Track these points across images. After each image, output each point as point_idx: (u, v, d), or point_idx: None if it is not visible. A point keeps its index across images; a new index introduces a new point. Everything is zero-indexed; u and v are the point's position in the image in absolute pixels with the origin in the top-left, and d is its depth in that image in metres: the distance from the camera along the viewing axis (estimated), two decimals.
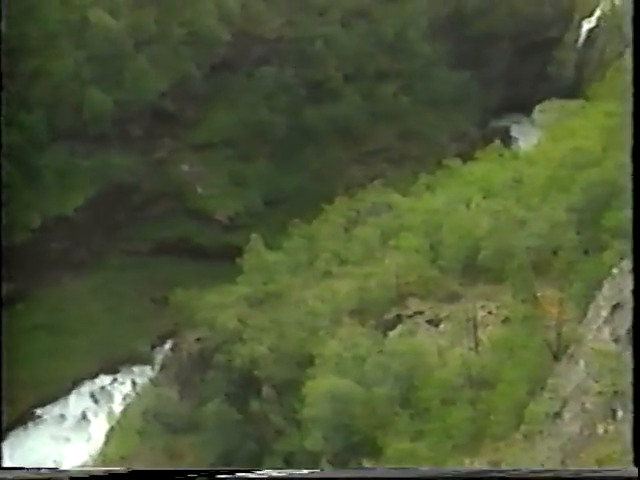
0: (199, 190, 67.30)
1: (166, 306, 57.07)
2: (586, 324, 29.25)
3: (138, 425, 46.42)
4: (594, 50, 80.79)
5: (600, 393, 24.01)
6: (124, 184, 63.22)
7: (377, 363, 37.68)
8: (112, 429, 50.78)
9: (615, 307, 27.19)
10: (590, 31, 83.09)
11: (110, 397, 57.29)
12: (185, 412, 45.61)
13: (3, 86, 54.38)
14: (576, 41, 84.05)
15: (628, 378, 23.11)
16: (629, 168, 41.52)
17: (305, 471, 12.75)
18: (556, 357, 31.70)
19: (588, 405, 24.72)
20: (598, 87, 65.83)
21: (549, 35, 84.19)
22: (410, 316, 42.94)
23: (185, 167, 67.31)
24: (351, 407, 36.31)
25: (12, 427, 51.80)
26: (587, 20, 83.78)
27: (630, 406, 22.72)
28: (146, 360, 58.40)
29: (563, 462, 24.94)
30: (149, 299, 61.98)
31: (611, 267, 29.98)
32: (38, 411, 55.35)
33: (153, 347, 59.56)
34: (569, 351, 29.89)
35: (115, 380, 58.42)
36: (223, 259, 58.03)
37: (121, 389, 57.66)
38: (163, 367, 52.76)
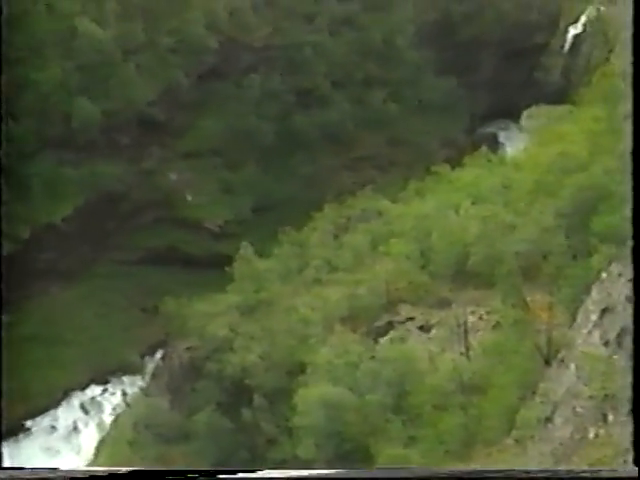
0: (188, 198, 67.18)
1: (156, 315, 56.85)
2: (576, 328, 29.38)
3: (129, 435, 46.14)
4: (580, 56, 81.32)
5: (591, 397, 24.10)
6: (113, 193, 63.04)
7: (369, 370, 37.68)
8: (103, 440, 50.47)
9: (604, 311, 27.35)
10: (576, 37, 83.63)
11: (100, 408, 56.97)
12: (176, 422, 45.38)
13: None
14: (562, 47, 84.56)
15: (619, 381, 23.23)
16: (617, 172, 41.85)
17: (305, 472, 12.70)
18: (547, 361, 31.80)
19: (579, 409, 24.80)
20: (585, 92, 66.27)
21: (535, 41, 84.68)
22: (401, 322, 43.00)
23: (174, 175, 67.20)
24: (343, 414, 36.27)
25: (2, 438, 51.36)
26: (573, 26, 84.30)
27: (621, 409, 22.83)
28: (136, 370, 58.14)
29: (555, 466, 24.98)
30: (139, 308, 61.74)
31: (600, 271, 30.17)
32: (28, 423, 54.98)
33: (143, 357, 59.30)
34: (559, 355, 30.00)
35: (105, 390, 58.11)
36: (213, 267, 57.90)
37: (111, 399, 57.35)
38: (154, 377, 52.52)
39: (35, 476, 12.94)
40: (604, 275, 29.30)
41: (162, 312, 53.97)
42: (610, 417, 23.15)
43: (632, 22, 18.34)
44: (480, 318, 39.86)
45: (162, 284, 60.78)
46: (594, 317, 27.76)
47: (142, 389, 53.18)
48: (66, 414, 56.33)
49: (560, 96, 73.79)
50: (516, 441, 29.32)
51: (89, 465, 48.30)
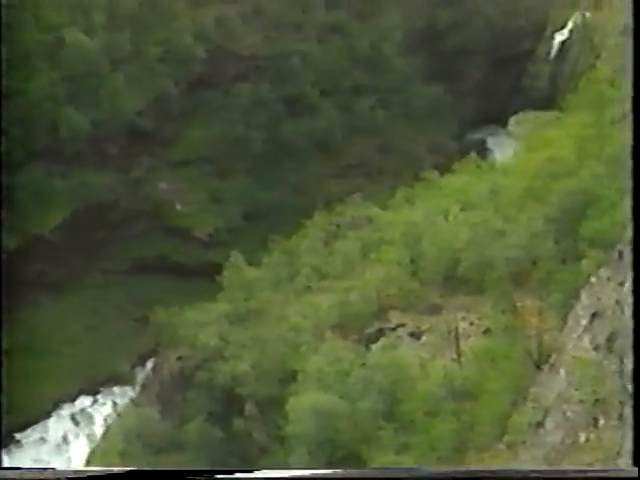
0: (178, 207, 67.07)
1: (146, 325, 56.60)
2: (566, 333, 29.45)
3: (120, 446, 45.84)
4: (567, 62, 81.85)
5: (581, 401, 24.14)
6: (102, 203, 62.86)
7: (360, 377, 37.63)
8: (93, 451, 50.11)
9: (594, 315, 27.43)
10: (562, 43, 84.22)
11: (91, 419, 56.61)
12: (167, 432, 45.15)
13: None
14: (549, 53, 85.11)
15: (609, 386, 23.30)
16: (604, 177, 42.09)
17: (305, 472, 12.61)
18: (537, 367, 31.85)
19: (570, 414, 24.83)
20: (571, 98, 66.68)
21: (522, 48, 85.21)
22: (392, 329, 43.00)
23: (163, 185, 67.10)
24: (335, 422, 36.19)
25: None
26: (559, 32, 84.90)
27: (612, 413, 22.88)
28: (127, 380, 57.83)
29: None
30: (129, 318, 61.49)
31: (589, 276, 30.27)
32: (18, 435, 54.54)
33: (134, 367, 59.00)
34: (550, 360, 30.05)
35: (96, 401, 57.76)
36: (203, 276, 57.77)
37: (102, 410, 57.00)
38: (144, 387, 52.27)
39: (33, 476, 12.92)
40: (593, 279, 29.41)
41: (152, 322, 53.77)
42: (601, 421, 23.19)
43: (632, 22, 18.44)
44: (471, 324, 39.93)
45: (152, 294, 60.57)
46: (584, 322, 27.85)
47: (133, 399, 52.89)
48: (56, 426, 55.94)
49: (547, 102, 74.25)
50: (508, 446, 29.32)
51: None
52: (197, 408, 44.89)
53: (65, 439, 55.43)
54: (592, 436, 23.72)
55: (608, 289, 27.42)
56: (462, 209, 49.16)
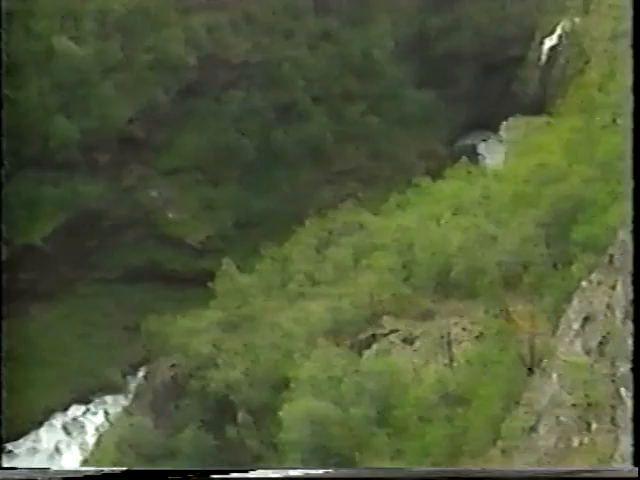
0: (169, 215, 66.95)
1: (138, 333, 56.38)
2: (558, 337, 29.51)
3: (112, 455, 45.60)
4: (556, 67, 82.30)
5: (574, 405, 24.18)
6: (93, 211, 62.68)
7: (353, 383, 37.59)
8: (85, 461, 49.82)
9: (586, 319, 27.52)
10: (552, 49, 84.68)
11: (83, 428, 56.29)
12: (160, 440, 44.95)
13: None
14: (539, 59, 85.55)
15: (601, 389, 23.34)
16: (595, 182, 42.25)
17: (300, 471, 12.57)
18: (530, 371, 31.90)
19: (562, 418, 24.86)
20: (561, 103, 67.07)
21: (512, 54, 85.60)
22: (385, 335, 42.98)
23: (154, 193, 66.97)
24: (328, 429, 36.11)
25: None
26: (548, 38, 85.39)
27: (604, 417, 22.92)
28: (119, 389, 57.57)
29: None
30: (121, 327, 61.24)
31: (580, 280, 30.37)
32: (9, 446, 54.16)
33: (126, 375, 58.74)
34: (542, 365, 30.10)
35: (88, 410, 57.46)
36: (195, 284, 57.63)
37: (94, 419, 56.70)
38: (137, 395, 52.03)
39: (31, 476, 12.92)
40: (585, 284, 29.51)
41: (144, 330, 53.55)
42: (594, 425, 23.22)
43: (632, 22, 18.56)
44: (463, 329, 39.96)
45: (144, 302, 60.37)
46: (576, 326, 27.92)
47: (125, 408, 52.64)
48: (48, 435, 55.60)
49: (537, 107, 74.62)
50: (502, 451, 29.31)
51: None
52: (190, 416, 44.73)
53: (57, 449, 55.08)
54: (585, 440, 23.76)
55: (599, 293, 27.52)
56: (454, 214, 49.28)
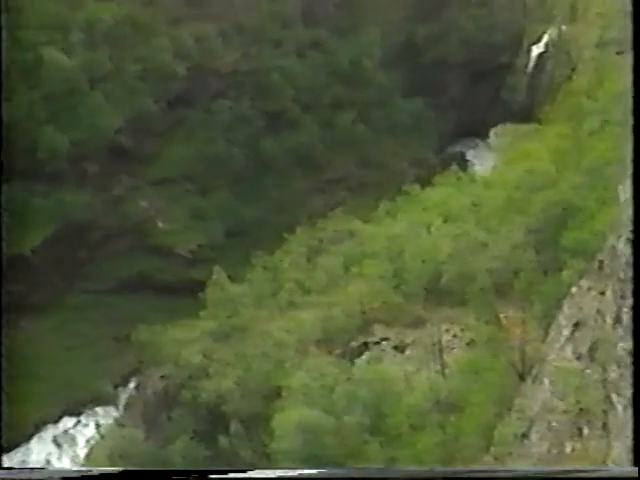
0: (159, 225, 66.74)
1: (129, 344, 56.09)
2: (549, 343, 29.56)
3: (104, 468, 45.25)
4: (544, 74, 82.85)
5: (565, 411, 24.20)
6: (82, 222, 62.40)
7: (345, 392, 37.52)
8: None
9: (576, 325, 27.57)
10: (539, 56, 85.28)
11: (74, 440, 55.85)
12: (152, 452, 44.65)
13: None
14: (526, 66, 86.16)
15: (592, 395, 23.38)
16: (583, 188, 42.39)
17: (296, 471, 12.50)
18: (521, 377, 31.93)
19: (554, 424, 24.87)
20: (549, 110, 67.47)
21: (500, 61, 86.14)
22: (376, 343, 42.98)
23: (144, 203, 66.78)
24: (321, 437, 35.99)
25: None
26: (536, 45, 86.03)
27: (596, 423, 22.95)
28: (110, 400, 57.19)
29: None
30: (111, 338, 60.89)
31: (570, 286, 30.45)
32: None
33: (117, 387, 58.36)
34: (533, 371, 30.13)
35: (78, 422, 57.03)
36: (186, 294, 57.40)
37: (85, 431, 56.28)
38: (128, 407, 51.73)
39: (30, 476, 12.85)
40: (575, 290, 29.59)
41: (135, 341, 53.28)
42: (585, 431, 23.24)
43: (632, 23, 18.69)
44: (454, 336, 40.01)
45: (135, 312, 60.06)
46: (566, 332, 27.97)
47: (116, 420, 52.31)
48: (39, 448, 55.13)
49: (526, 114, 75.09)
50: (494, 458, 29.28)
51: None
52: (182, 427, 44.47)
53: (48, 462, 54.61)
54: (577, 446, 23.75)
55: (589, 299, 27.59)
56: (444, 221, 49.41)
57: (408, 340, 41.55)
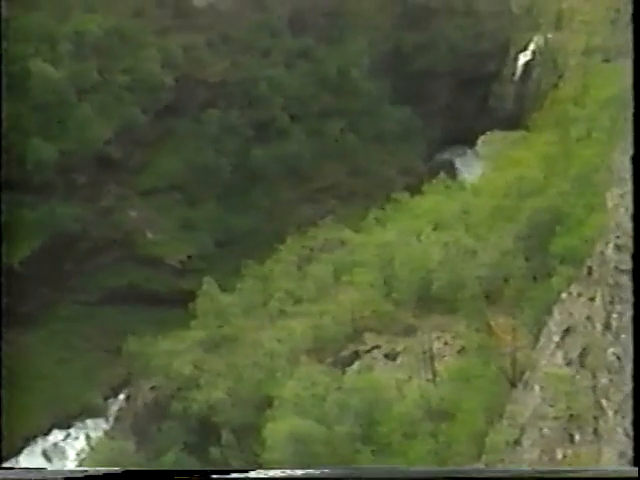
0: (149, 235, 66.53)
1: (119, 356, 55.77)
2: (539, 350, 29.61)
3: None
4: (531, 82, 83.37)
5: (556, 418, 24.21)
6: (71, 233, 62.11)
7: (336, 401, 37.41)
8: None
9: (566, 331, 27.64)
10: (526, 64, 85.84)
11: (64, 454, 55.37)
12: (143, 464, 44.32)
13: None
14: (514, 74, 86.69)
15: (583, 401, 23.41)
16: (571, 195, 42.53)
17: (299, 471, 12.43)
18: (512, 384, 31.94)
19: (546, 430, 24.88)
20: (537, 118, 67.83)
21: (487, 69, 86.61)
22: (367, 351, 42.91)
23: (133, 213, 66.58)
24: (312, 447, 35.84)
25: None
26: (523, 54, 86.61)
27: (587, 429, 22.97)
28: (100, 412, 56.78)
29: None
30: (101, 350, 60.54)
31: (560, 292, 30.54)
32: None
33: (107, 399, 57.97)
34: (524, 377, 30.16)
35: (68, 435, 56.57)
36: (176, 304, 57.18)
37: (75, 444, 55.81)
38: (118, 419, 51.39)
39: (32, 476, 12.77)
40: (564, 296, 29.68)
41: (125, 352, 53.01)
42: (576, 437, 23.25)
43: (632, 23, 18.85)
44: (445, 343, 40.00)
45: (124, 324, 59.75)
46: (556, 338, 28.03)
47: (106, 432, 51.95)
48: (28, 461, 54.61)
49: (513, 122, 75.48)
50: (486, 465, 29.24)
51: None
52: (173, 438, 44.19)
53: None
54: (569, 452, 23.75)
55: (579, 305, 27.68)
56: (434, 229, 49.49)
57: (399, 348, 41.51)
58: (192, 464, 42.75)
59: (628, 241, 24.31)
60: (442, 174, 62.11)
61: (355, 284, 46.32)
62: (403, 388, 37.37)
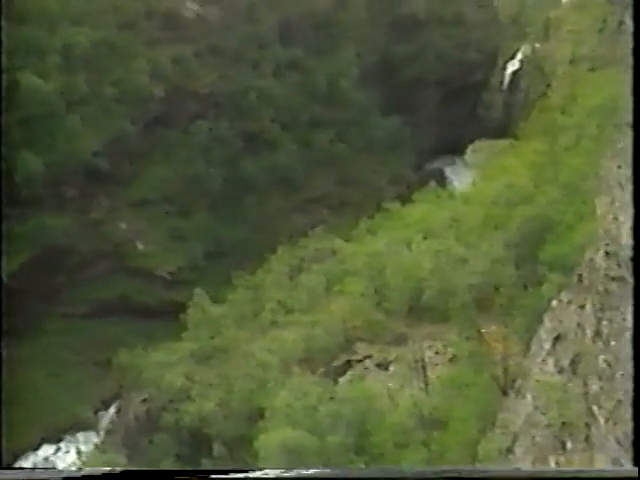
0: (139, 247, 66.33)
1: (109, 369, 55.48)
2: (530, 357, 29.66)
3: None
4: (519, 91, 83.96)
5: (548, 425, 24.24)
6: (61, 246, 61.83)
7: (329, 411, 37.31)
8: None
9: (557, 339, 27.71)
10: (514, 73, 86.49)
11: (54, 468, 54.90)
12: None
13: None
14: (501, 83, 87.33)
15: (574, 408, 23.45)
16: (560, 203, 42.74)
17: (301, 471, 12.41)
18: (504, 392, 31.96)
19: (538, 438, 24.90)
20: (525, 126, 68.28)
21: (475, 78, 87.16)
22: (359, 361, 42.85)
23: (123, 225, 66.39)
24: (305, 458, 35.70)
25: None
26: (511, 63, 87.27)
27: (579, 436, 23.00)
28: (91, 426, 56.39)
29: None
30: (91, 363, 60.20)
31: (550, 300, 30.64)
32: None
33: (97, 412, 57.60)
34: (516, 385, 30.19)
35: (59, 449, 56.12)
36: (167, 316, 57.00)
37: (65, 458, 55.37)
38: (109, 432, 51.06)
39: (30, 476, 12.69)
40: (555, 303, 29.77)
41: (115, 365, 52.75)
42: (569, 444, 23.27)
43: (632, 23, 19.02)
44: (437, 352, 40.01)
45: (115, 336, 59.48)
46: (547, 345, 28.10)
47: (97, 445, 51.58)
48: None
49: (502, 130, 75.97)
50: None
51: None
52: (164, 451, 43.95)
53: None
54: (561, 459, 23.77)
55: (569, 312, 27.77)
56: (424, 238, 49.58)
57: (391, 357, 41.48)
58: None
59: (617, 248, 24.44)
60: (432, 183, 62.39)
61: (346, 294, 46.31)
62: (395, 397, 37.32)
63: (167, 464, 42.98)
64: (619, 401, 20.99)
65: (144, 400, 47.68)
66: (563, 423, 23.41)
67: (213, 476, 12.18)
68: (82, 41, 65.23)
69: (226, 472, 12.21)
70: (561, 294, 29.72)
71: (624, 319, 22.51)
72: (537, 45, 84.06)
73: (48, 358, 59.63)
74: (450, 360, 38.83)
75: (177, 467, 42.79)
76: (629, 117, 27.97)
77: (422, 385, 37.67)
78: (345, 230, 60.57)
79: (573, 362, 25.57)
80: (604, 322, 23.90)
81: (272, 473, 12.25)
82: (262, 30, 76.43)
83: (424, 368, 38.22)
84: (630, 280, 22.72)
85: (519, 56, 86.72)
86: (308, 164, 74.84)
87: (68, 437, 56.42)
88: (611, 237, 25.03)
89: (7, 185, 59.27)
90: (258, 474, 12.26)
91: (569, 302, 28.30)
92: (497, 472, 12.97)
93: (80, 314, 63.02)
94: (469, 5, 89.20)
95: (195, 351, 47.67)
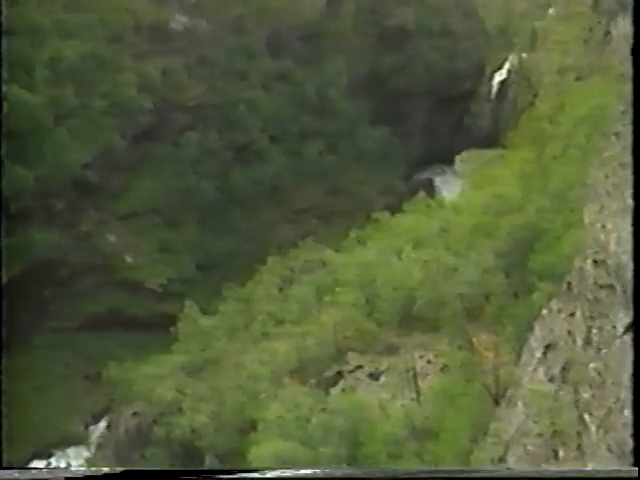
0: (128, 260, 66.15)
1: (100, 382, 55.14)
2: (521, 366, 29.69)
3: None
4: (507, 101, 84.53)
5: (540, 434, 24.25)
6: (50, 259, 61.58)
7: (321, 422, 37.17)
8: None
9: (547, 347, 27.75)
10: (502, 83, 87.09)
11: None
12: None
13: None
14: (489, 93, 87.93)
15: (566, 416, 23.47)
16: (549, 211, 42.87)
17: (306, 470, 12.30)
18: (496, 401, 31.95)
19: (530, 447, 24.89)
20: (513, 135, 68.62)
21: (464, 88, 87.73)
22: (351, 371, 42.76)
23: (112, 237, 66.23)
24: (297, 470, 35.49)
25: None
26: (498, 73, 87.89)
27: (571, 444, 23.01)
28: (81, 440, 55.99)
29: None
30: (81, 376, 59.84)
31: (540, 308, 30.71)
32: None
33: (87, 426, 57.21)
34: (507, 394, 30.20)
35: (49, 465, 55.64)
36: (157, 328, 56.81)
37: None
38: (100, 446, 50.68)
39: (32, 476, 12.57)
40: (545, 312, 29.83)
41: (106, 378, 52.42)
42: (561, 453, 23.27)
43: (632, 23, 19.11)
44: (428, 362, 39.98)
45: (105, 349, 59.19)
46: (538, 354, 28.14)
47: (88, 460, 51.17)
48: None
49: (490, 140, 76.41)
50: None
51: None
52: (156, 464, 43.62)
53: None
54: (554, 469, 23.75)
55: (559, 320, 27.83)
56: (414, 248, 49.61)
57: (382, 367, 41.42)
58: None
59: (606, 256, 24.56)
60: (422, 193, 62.56)
61: (337, 304, 46.24)
62: (387, 408, 37.24)
63: None
64: (610, 409, 21.03)
65: (135, 413, 47.38)
66: (555, 431, 23.41)
67: (220, 476, 11.95)
68: (70, 54, 65.29)
69: (233, 472, 11.97)
70: (551, 302, 29.77)
71: (614, 327, 22.59)
72: (524, 55, 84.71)
73: (38, 372, 59.25)
74: (441, 370, 38.81)
75: None
76: (616, 126, 28.19)
77: (414, 395, 37.61)
78: (335, 241, 60.61)
79: (564, 370, 25.61)
80: (594, 330, 23.97)
81: (279, 473, 12.13)
82: (251, 42, 76.71)
83: (415, 378, 38.16)
84: (618, 287, 22.82)
85: (507, 66, 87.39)
86: (297, 175, 74.99)
87: (59, 452, 55.99)
88: (600, 245, 25.15)
89: None
90: (260, 474, 12.12)
91: (559, 310, 28.36)
92: (496, 472, 12.92)
93: (70, 327, 62.72)
94: (457, 16, 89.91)
95: (186, 363, 47.47)
